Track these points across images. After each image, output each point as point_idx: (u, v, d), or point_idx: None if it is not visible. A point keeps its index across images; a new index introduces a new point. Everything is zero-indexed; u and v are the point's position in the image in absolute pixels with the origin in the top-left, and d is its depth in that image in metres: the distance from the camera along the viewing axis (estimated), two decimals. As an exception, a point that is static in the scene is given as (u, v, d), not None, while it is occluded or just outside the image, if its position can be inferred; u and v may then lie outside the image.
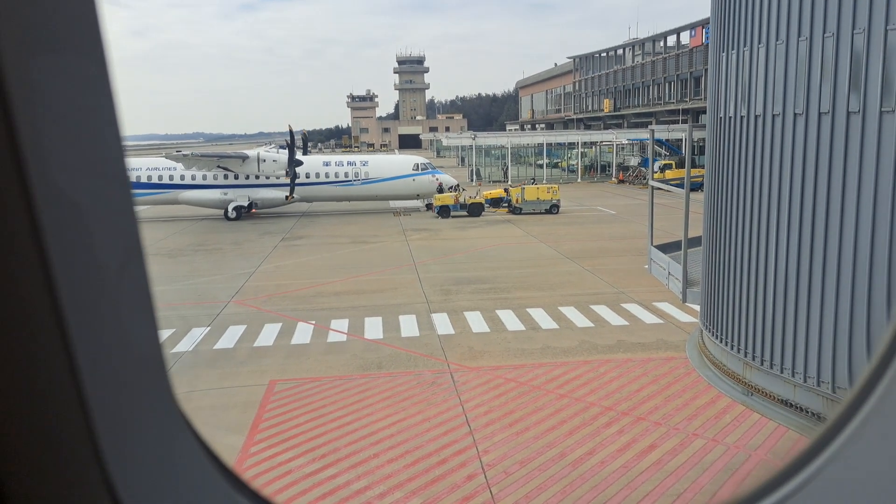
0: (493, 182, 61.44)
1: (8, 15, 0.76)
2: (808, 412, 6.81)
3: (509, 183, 56.93)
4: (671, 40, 77.06)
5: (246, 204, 42.21)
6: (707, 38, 64.07)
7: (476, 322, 18.93)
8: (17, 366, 0.82)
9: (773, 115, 6.97)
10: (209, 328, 18.96)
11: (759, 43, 7.15)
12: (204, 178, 42.25)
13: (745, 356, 7.45)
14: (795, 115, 6.75)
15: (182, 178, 42.24)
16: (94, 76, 0.87)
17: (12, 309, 0.81)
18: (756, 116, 7.21)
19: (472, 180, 63.23)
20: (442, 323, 18.93)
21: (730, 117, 7.69)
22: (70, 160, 0.84)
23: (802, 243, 6.71)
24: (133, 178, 42.11)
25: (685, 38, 72.32)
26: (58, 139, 0.82)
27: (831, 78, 6.43)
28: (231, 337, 18.11)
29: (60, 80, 0.81)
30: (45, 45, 0.80)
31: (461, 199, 42.06)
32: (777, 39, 6.89)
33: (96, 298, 0.87)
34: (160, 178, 42.39)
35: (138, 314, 0.96)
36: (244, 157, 41.81)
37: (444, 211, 41.42)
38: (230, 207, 41.89)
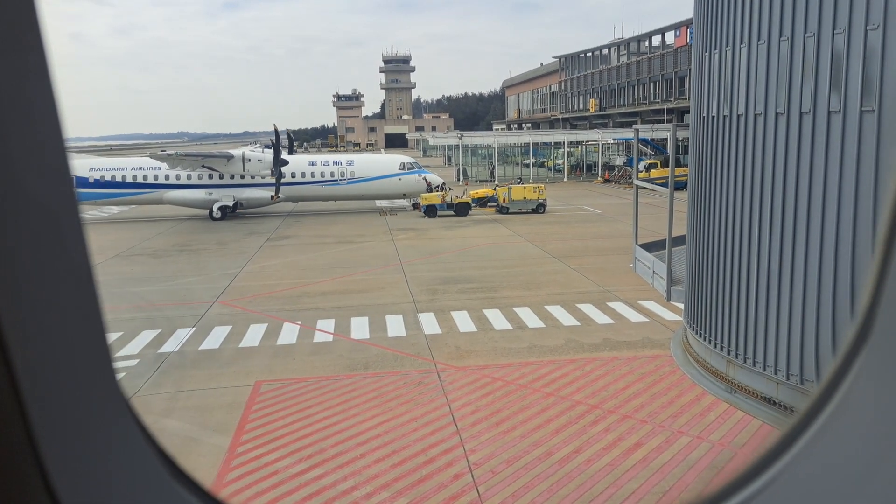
0: (480, 182, 61.51)
1: None
2: (791, 409, 6.88)
3: (496, 182, 57.05)
4: (656, 40, 77.61)
5: (231, 204, 41.91)
6: (692, 38, 64.64)
7: (463, 321, 18.94)
8: None
9: (756, 115, 7.04)
10: (194, 329, 18.79)
11: (742, 43, 7.21)
12: (189, 177, 41.90)
13: (729, 354, 7.51)
14: (777, 114, 6.82)
15: (167, 177, 41.85)
16: (34, 73, 0.84)
17: None
18: (738, 116, 7.27)
19: (458, 180, 63.27)
20: (429, 323, 18.92)
21: (713, 117, 7.75)
22: (11, 158, 0.82)
23: (784, 241, 6.78)
24: (119, 178, 41.70)
25: (670, 38, 72.88)
26: None
27: (812, 77, 6.49)
28: (216, 338, 17.97)
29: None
30: None
31: (448, 199, 42.07)
32: (759, 39, 6.96)
33: (36, 299, 0.85)
34: (145, 177, 41.97)
35: (83, 315, 0.93)
36: (229, 157, 41.51)
37: (430, 210, 41.40)
38: (215, 207, 41.57)
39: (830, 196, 6.40)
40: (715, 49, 7.66)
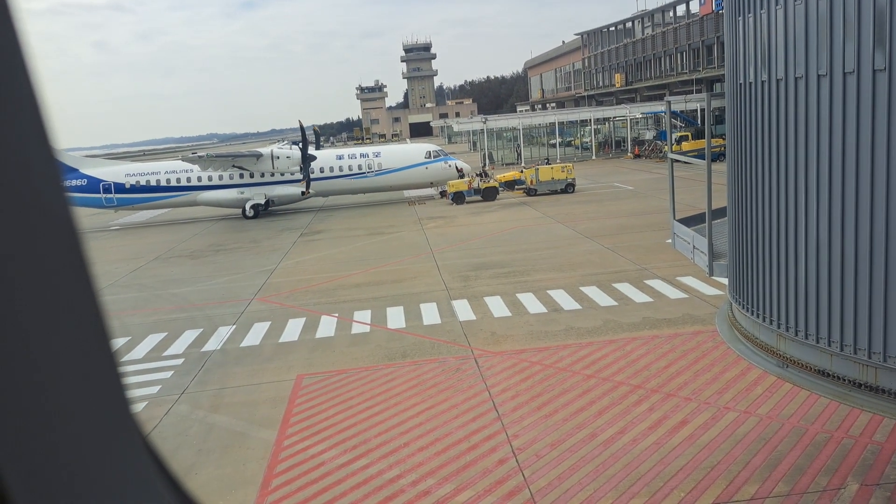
0: (506, 165, 61.05)
1: None
2: (844, 380, 6.66)
3: (523, 165, 56.55)
4: (680, 10, 75.62)
5: (263, 202, 42.46)
6: (717, 4, 62.69)
7: (497, 307, 18.87)
8: None
9: (796, 78, 6.76)
10: (235, 326, 19.14)
11: (777, 4, 6.92)
12: (220, 178, 42.56)
13: (779, 327, 7.29)
14: (819, 76, 6.54)
15: (199, 179, 42.59)
16: (15, 81, 0.82)
17: None
18: (778, 80, 7.00)
19: (484, 164, 62.93)
20: (463, 309, 18.91)
21: (750, 83, 7.48)
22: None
23: (833, 208, 6.53)
24: (153, 182, 42.58)
25: (694, 6, 70.95)
26: None
27: (855, 36, 6.20)
28: (257, 334, 18.27)
29: None
30: None
31: (475, 184, 41.88)
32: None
33: (30, 309, 0.82)
34: (178, 180, 42.77)
35: (83, 322, 0.91)
36: (258, 156, 42.00)
37: (458, 197, 41.28)
38: (248, 206, 42.18)
39: (879, 158, 6.13)
40: (749, 13, 7.38)
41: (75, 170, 42.67)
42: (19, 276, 0.81)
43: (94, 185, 42.27)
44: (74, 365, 0.90)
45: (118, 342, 18.50)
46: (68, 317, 0.90)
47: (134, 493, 1.03)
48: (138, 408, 13.91)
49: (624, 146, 66.44)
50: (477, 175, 43.08)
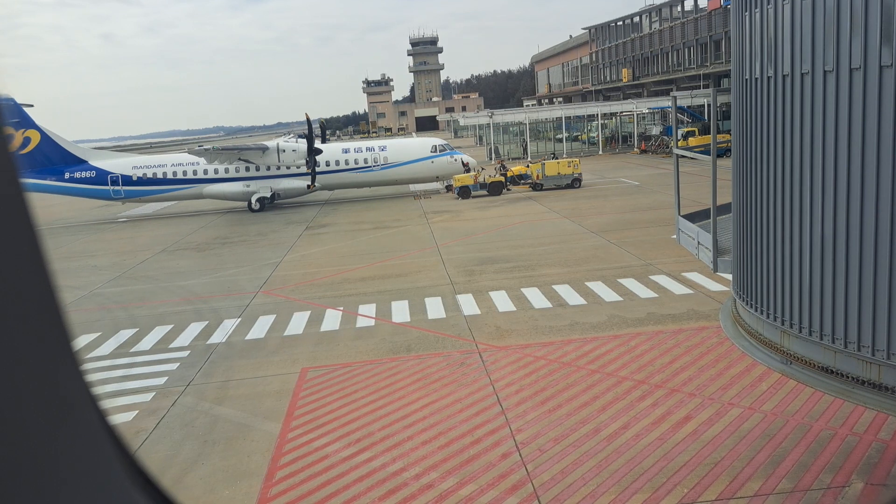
0: (513, 159, 60.92)
1: None
2: (849, 378, 6.65)
3: (529, 159, 56.40)
4: (688, 4, 75.11)
5: (269, 195, 42.55)
6: (726, -1, 62.27)
7: (501, 301, 18.89)
8: None
9: (802, 74, 6.72)
10: (240, 319, 19.23)
11: (784, 0, 6.88)
12: (226, 171, 42.67)
13: (783, 324, 7.27)
14: (826, 72, 6.50)
15: (205, 172, 42.71)
16: None
17: None
18: (784, 76, 6.96)
19: (490, 159, 62.81)
20: (468, 303, 18.93)
21: (756, 78, 7.44)
22: None
23: (839, 204, 6.50)
24: (160, 175, 42.72)
25: (702, 1, 70.43)
26: None
27: (862, 31, 6.16)
28: (262, 327, 18.35)
29: None
30: None
31: (480, 179, 41.84)
32: (803, -6, 6.62)
33: None
34: (184, 173, 42.90)
35: (41, 319, 0.90)
36: (264, 149, 42.06)
37: (464, 192, 41.25)
38: (253, 199, 42.29)
39: (885, 154, 6.10)
40: (756, 8, 7.33)
41: (84, 161, 42.87)
42: None
43: (102, 177, 42.46)
44: (36, 368, 0.89)
45: (124, 334, 18.62)
46: (29, 319, 0.88)
47: (104, 494, 1.02)
48: (146, 398, 14.02)
49: (630, 141, 66.18)
50: (497, 170, 43.00)
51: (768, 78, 7.24)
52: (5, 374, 0.84)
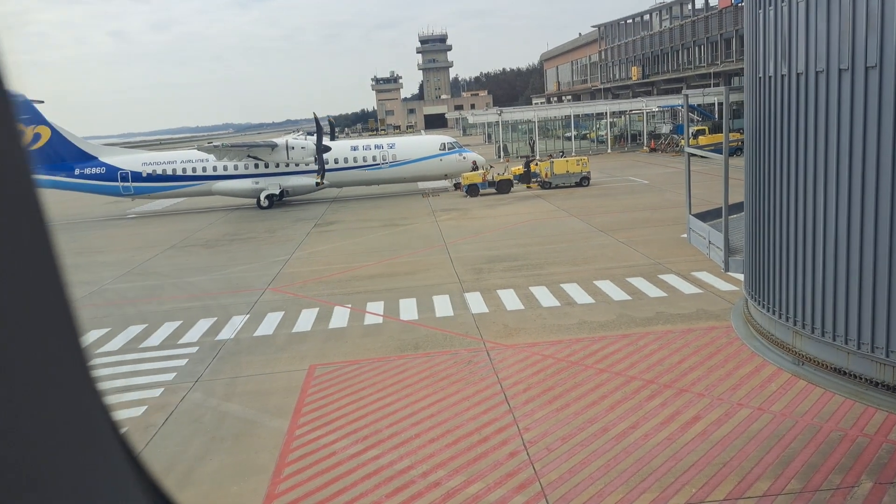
0: (522, 157, 60.79)
1: None
2: (861, 379, 6.59)
3: (538, 157, 56.27)
4: (699, 2, 74.66)
5: (277, 192, 42.66)
6: (738, -4, 61.81)
7: (510, 300, 18.86)
8: None
9: (817, 72, 6.66)
10: (248, 316, 19.30)
11: (799, -3, 6.81)
12: (235, 168, 42.82)
13: (795, 324, 7.21)
14: (840, 70, 6.43)
15: (215, 168, 42.88)
16: None
17: None
18: (798, 74, 6.89)
19: (499, 157, 62.67)
20: (475, 302, 18.91)
21: (770, 77, 7.37)
22: None
23: (853, 204, 6.43)
24: (169, 171, 42.93)
25: (714, -2, 69.96)
26: None
27: (878, 29, 6.09)
28: (270, 324, 18.41)
29: None
30: None
31: (489, 177, 41.79)
32: (818, -8, 6.55)
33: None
34: (194, 170, 43.08)
35: (52, 319, 0.89)
36: (273, 146, 42.16)
37: (472, 190, 41.21)
38: (262, 196, 42.41)
39: (901, 154, 6.03)
40: (770, 6, 7.27)
41: (94, 158, 43.13)
42: None
43: (112, 173, 42.71)
44: (44, 364, 0.88)
45: (133, 330, 18.73)
46: (38, 314, 0.88)
47: (110, 494, 1.02)
48: (155, 394, 14.10)
49: (640, 140, 65.87)
50: (524, 166, 42.81)
51: (782, 76, 7.17)
52: (14, 368, 0.84)
